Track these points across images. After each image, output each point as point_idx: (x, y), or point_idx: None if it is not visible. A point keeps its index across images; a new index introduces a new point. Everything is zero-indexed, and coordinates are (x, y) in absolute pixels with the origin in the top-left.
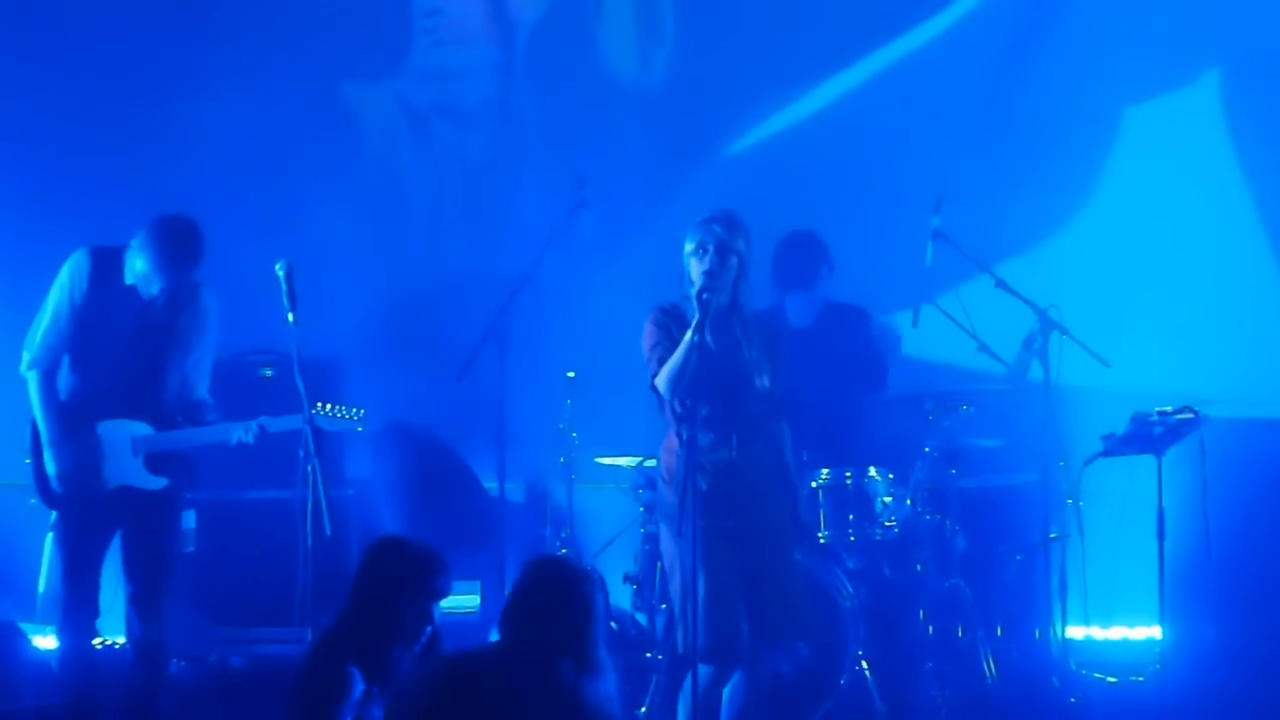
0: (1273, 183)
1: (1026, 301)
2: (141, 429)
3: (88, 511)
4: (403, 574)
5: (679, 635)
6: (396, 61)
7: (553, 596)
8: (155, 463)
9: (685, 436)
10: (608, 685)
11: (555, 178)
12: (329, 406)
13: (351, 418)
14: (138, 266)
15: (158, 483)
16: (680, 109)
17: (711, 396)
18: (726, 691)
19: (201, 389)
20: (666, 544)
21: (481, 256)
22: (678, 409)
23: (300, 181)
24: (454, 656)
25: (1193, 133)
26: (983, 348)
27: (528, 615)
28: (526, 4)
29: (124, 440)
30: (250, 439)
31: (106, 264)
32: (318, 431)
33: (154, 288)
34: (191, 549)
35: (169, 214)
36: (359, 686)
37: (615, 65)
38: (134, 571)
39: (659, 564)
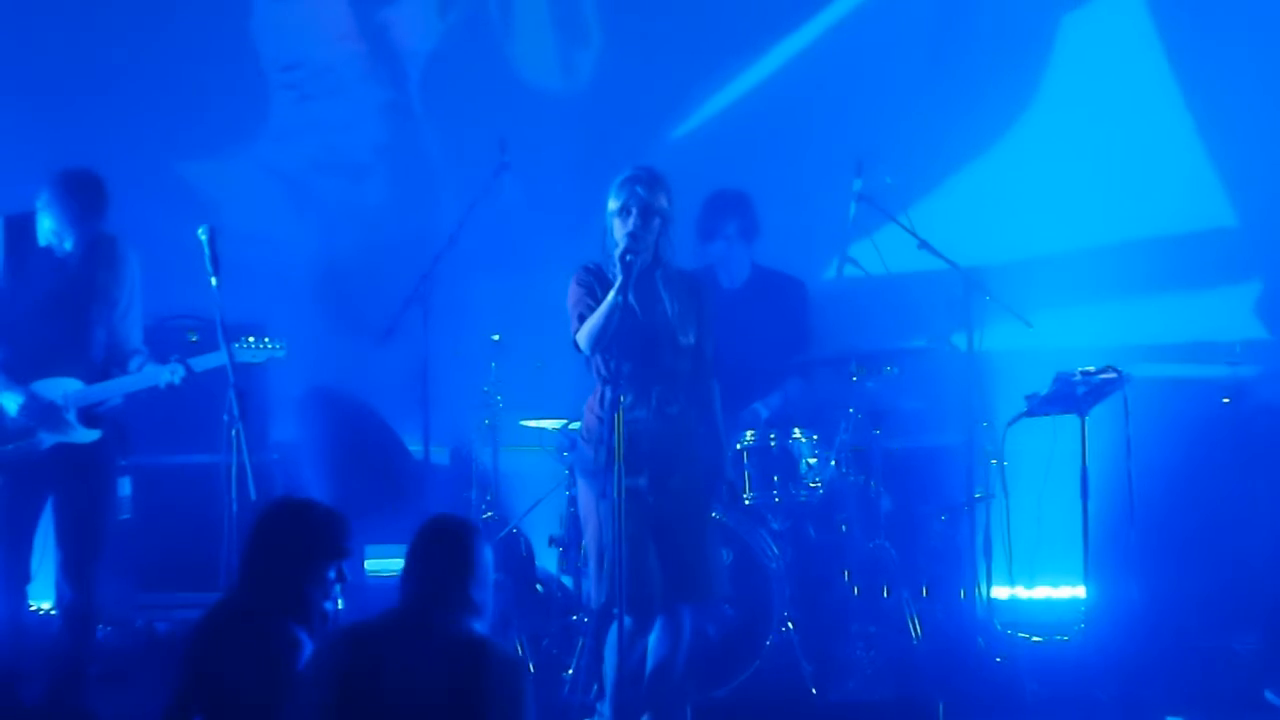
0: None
1: (950, 263)
2: (72, 385)
3: (22, 475)
4: (291, 533)
5: (587, 589)
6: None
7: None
8: (88, 418)
9: (605, 394)
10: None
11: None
12: (250, 340)
13: (272, 348)
14: (47, 225)
15: (91, 435)
16: (608, 109)
17: (633, 354)
18: (650, 652)
19: (134, 340)
20: (582, 499)
21: (405, 219)
22: (599, 367)
23: (217, 143)
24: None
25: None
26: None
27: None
28: (416, 33)
29: (55, 398)
30: (177, 380)
31: (19, 230)
32: (241, 395)
33: (67, 243)
34: (127, 516)
35: (67, 168)
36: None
37: (533, 76)
38: (66, 536)
39: None
